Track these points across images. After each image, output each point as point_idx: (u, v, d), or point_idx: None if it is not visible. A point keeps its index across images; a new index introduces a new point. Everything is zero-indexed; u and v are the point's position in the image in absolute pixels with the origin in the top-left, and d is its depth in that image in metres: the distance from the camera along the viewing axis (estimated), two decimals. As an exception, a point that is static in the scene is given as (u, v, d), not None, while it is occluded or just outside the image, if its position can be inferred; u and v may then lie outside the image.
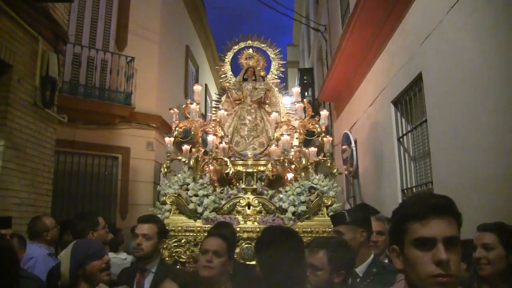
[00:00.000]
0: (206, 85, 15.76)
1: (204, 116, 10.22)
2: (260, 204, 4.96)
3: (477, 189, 3.76)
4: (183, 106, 5.74)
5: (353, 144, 8.06)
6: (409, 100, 5.80)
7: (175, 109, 5.83)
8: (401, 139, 6.15)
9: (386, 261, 3.04)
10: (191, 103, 5.56)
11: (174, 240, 4.67)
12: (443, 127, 4.56)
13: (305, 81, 14.81)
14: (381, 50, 6.75)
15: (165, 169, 5.36)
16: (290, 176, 5.57)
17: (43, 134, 5.62)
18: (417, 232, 1.35)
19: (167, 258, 4.49)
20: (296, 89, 6.19)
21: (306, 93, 14.45)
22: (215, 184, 5.55)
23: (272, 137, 5.69)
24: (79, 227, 3.77)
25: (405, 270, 1.41)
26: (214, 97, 7.25)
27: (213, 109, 6.67)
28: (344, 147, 8.56)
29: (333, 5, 10.79)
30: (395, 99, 6.20)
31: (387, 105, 6.47)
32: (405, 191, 5.96)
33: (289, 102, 6.73)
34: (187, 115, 5.66)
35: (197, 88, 5.99)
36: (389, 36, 6.34)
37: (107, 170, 9.22)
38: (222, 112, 5.83)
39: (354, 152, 8.00)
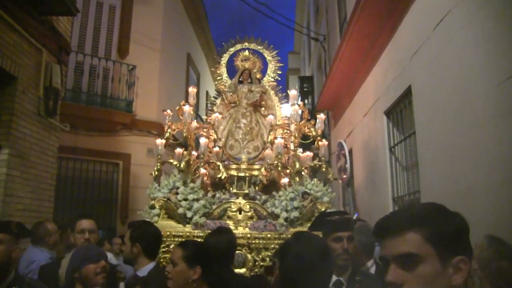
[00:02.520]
0: (207, 91, 15.93)
1: (203, 122, 10.37)
2: (252, 210, 4.85)
3: (461, 198, 3.88)
4: (177, 108, 5.58)
5: (346, 153, 8.21)
6: (401, 111, 5.95)
7: (169, 111, 5.69)
8: (393, 149, 6.30)
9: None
10: (184, 105, 5.42)
11: (162, 245, 4.22)
12: (430, 139, 4.72)
13: (305, 89, 14.91)
14: (376, 61, 6.91)
15: (156, 172, 5.23)
16: (285, 181, 5.42)
17: (46, 142, 5.79)
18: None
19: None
20: (293, 92, 5.97)
21: (306, 101, 14.58)
22: (208, 189, 5.44)
23: (266, 141, 5.52)
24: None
25: None
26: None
27: (208, 111, 6.60)
28: (339, 154, 8.71)
29: (332, 16, 10.97)
30: (387, 110, 6.36)
31: (380, 116, 6.63)
32: (396, 199, 6.11)
33: (288, 111, 6.35)
34: (181, 117, 5.53)
35: (192, 90, 5.88)
36: (383, 48, 6.49)
37: (108, 176, 9.36)
38: (216, 115, 5.66)
39: (348, 161, 8.15)
